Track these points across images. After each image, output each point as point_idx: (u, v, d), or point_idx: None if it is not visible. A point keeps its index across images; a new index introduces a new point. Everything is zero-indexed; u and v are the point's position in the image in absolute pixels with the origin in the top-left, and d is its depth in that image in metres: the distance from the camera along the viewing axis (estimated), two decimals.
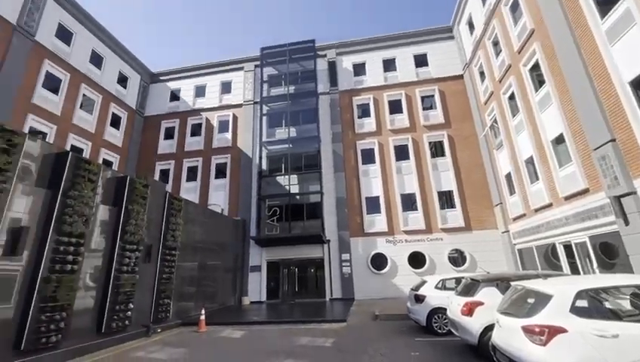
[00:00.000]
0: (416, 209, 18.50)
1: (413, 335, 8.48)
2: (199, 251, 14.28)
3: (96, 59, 19.99)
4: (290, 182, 19.23)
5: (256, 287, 18.40)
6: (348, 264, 17.89)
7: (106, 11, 66.55)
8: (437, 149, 19.74)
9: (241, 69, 23.78)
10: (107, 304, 8.79)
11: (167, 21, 76.68)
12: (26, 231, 6.99)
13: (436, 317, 8.39)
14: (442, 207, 18.43)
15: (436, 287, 8.99)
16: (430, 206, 18.42)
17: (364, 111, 21.32)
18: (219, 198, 20.42)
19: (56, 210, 7.70)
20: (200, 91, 23.94)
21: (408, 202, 18.84)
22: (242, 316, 13.40)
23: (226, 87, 23.73)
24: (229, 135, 22.11)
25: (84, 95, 18.74)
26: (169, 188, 19.91)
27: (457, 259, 17.48)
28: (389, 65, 22.07)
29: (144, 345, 8.90)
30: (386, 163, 19.67)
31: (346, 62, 22.59)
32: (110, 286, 8.97)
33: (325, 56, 22.77)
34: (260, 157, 20.42)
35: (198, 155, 21.93)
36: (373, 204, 19.01)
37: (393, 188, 19.02)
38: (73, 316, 7.83)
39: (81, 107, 18.45)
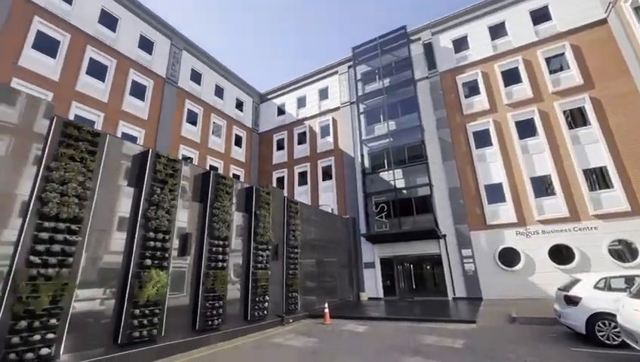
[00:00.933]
0: (553, 193, 15.41)
1: (568, 344, 7.05)
2: (316, 249, 15.38)
3: (219, 92, 24.01)
4: (395, 177, 18.77)
5: (372, 283, 18.59)
6: (470, 260, 16.25)
7: (217, 47, 79.04)
8: (575, 118, 16.00)
9: (335, 73, 24.59)
10: (249, 296, 10.38)
11: (263, 45, 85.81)
12: (190, 236, 8.93)
13: (602, 324, 6.76)
14: (592, 189, 14.80)
15: (596, 287, 7.25)
16: (574, 188, 15.03)
17: (472, 89, 19.05)
18: (328, 199, 21.57)
19: (207, 219, 9.57)
20: (301, 102, 25.87)
21: (541, 186, 15.86)
22: (362, 311, 13.75)
23: (323, 94, 24.95)
24: (330, 138, 23.15)
25: (214, 123, 22.77)
26: (285, 193, 22.18)
27: (623, 252, 13.69)
28: (497, 31, 19.13)
29: (280, 332, 10.10)
30: (507, 143, 17.05)
31: (444, 41, 20.67)
32: (250, 280, 10.57)
33: (419, 39, 21.39)
34: (362, 156, 20.60)
35: (305, 161, 23.72)
36: (495, 192, 16.75)
37: (519, 171, 16.33)
38: (227, 305, 9.55)
39: (212, 133, 22.46)
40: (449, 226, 17.23)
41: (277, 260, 12.27)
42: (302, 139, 24.77)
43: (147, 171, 8.20)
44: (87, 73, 15.42)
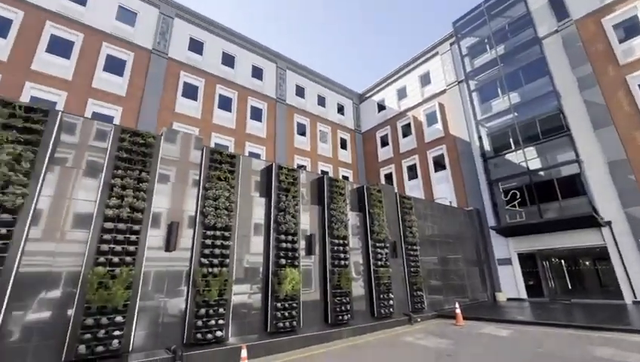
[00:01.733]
0: None
1: None
2: (437, 245, 14.42)
3: (322, 101, 25.43)
4: (526, 158, 15.90)
5: (510, 282, 16.16)
6: None
7: (313, 55, 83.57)
8: None
9: (436, 54, 22.72)
10: (373, 293, 10.53)
11: (357, 45, 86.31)
12: (314, 237, 9.71)
13: None
14: None
15: None
16: None
17: (630, 29, 14.50)
18: (443, 191, 19.98)
19: (326, 220, 10.23)
20: (401, 93, 24.90)
21: None
22: (502, 313, 12.10)
23: (424, 80, 23.38)
24: (439, 125, 21.44)
25: (320, 130, 24.25)
26: (395, 189, 21.71)
27: None
28: None
29: (409, 331, 9.85)
30: None
31: None
32: (372, 278, 10.72)
33: None
34: (480, 138, 18.26)
35: (413, 154, 22.65)
36: None
37: None
38: (353, 301, 9.93)
39: (320, 140, 23.93)
40: (615, 210, 13.47)
41: (396, 258, 12.07)
42: (406, 132, 23.76)
43: (273, 182, 9.37)
44: (219, 107, 18.79)
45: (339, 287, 9.56)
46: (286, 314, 8.20)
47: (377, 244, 11.30)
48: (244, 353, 5.94)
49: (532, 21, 17.28)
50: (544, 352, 6.90)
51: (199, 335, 6.75)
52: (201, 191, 7.98)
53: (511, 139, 16.86)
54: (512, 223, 15.70)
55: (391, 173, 23.99)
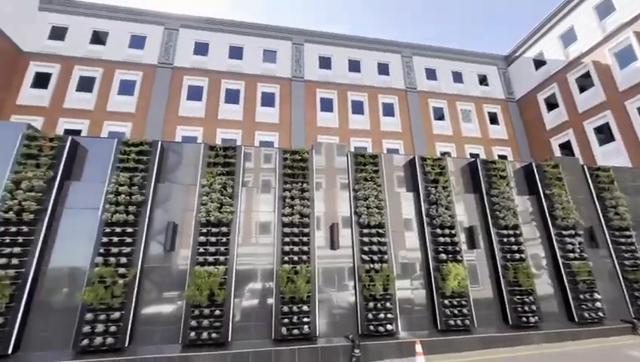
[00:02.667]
0: None
1: None
2: None
3: (458, 77, 22.82)
4: None
5: None
6: None
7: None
8: None
9: None
10: (568, 292, 8.49)
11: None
12: (475, 229, 8.75)
13: None
14: None
15: None
16: None
17: None
18: None
19: (487, 209, 9.04)
20: (568, 37, 19.33)
21: None
22: None
23: (604, 9, 17.35)
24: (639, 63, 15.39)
25: (460, 110, 21.76)
26: (580, 160, 16.97)
27: None
28: None
29: (634, 344, 7.39)
30: None
31: None
32: (563, 273, 8.68)
33: None
34: None
35: (601, 110, 17.08)
36: None
37: None
38: (540, 301, 8.31)
39: (462, 121, 21.45)
40: None
41: (597, 248, 9.35)
42: (585, 84, 18.18)
43: (418, 175, 9.07)
44: (352, 113, 19.79)
45: (517, 284, 8.21)
46: (455, 311, 7.69)
47: (564, 232, 9.09)
48: (419, 348, 5.95)
49: None
50: None
51: (372, 327, 7.20)
52: (351, 193, 8.59)
53: None
54: None
55: (568, 142, 18.87)
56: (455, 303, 7.76)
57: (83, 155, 7.82)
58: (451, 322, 7.56)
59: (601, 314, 8.30)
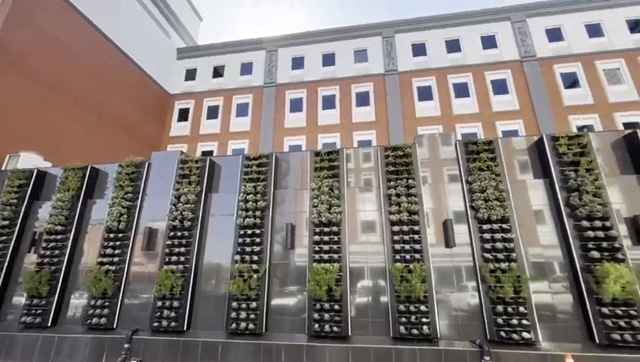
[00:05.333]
0: None
1: None
2: None
3: (595, 29, 18.20)
4: None
5: None
6: None
7: None
8: None
9: None
10: None
11: None
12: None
13: None
14: None
15: None
16: None
17: None
18: None
19: None
20: None
21: None
22: None
23: None
24: None
25: (603, 70, 17.26)
26: None
27: None
28: None
29: None
30: None
31: None
32: None
33: None
34: None
35: None
36: None
37: None
38: None
39: (609, 83, 16.97)
40: None
41: None
42: None
43: (549, 158, 7.64)
44: (495, 94, 18.05)
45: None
46: (621, 322, 6.12)
47: None
48: None
49: None
50: None
51: (503, 334, 6.41)
52: (464, 185, 7.86)
53: None
54: None
55: None
56: (620, 312, 6.18)
57: (218, 171, 9.50)
58: (615, 336, 6.06)
59: None
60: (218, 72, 21.77)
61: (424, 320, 6.74)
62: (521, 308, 6.50)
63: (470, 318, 6.92)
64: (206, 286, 8.17)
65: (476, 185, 7.60)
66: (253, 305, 7.42)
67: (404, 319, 6.83)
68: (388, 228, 7.75)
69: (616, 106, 16.32)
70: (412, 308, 6.85)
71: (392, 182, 8.08)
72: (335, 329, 6.96)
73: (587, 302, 6.45)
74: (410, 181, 7.96)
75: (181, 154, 9.55)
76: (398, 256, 7.37)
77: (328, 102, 19.44)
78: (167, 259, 8.13)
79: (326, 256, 7.60)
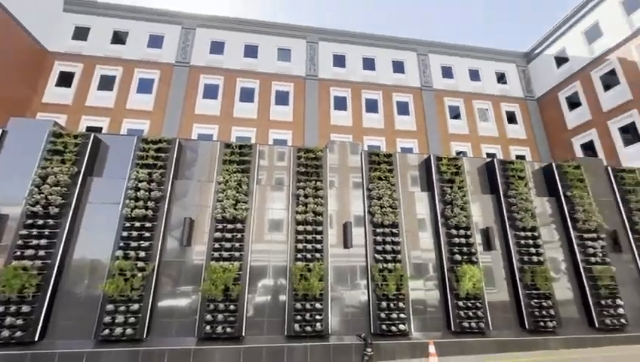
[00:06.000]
0: None
1: None
2: None
3: (475, 75, 22.33)
4: None
5: None
6: None
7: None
8: None
9: None
10: (589, 297, 8.22)
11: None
12: (491, 230, 8.58)
13: None
14: None
15: None
16: None
17: None
18: None
19: (504, 210, 8.84)
20: (593, 33, 18.61)
21: None
22: None
23: (629, 4, 16.63)
24: None
25: (477, 109, 21.29)
26: (604, 161, 16.33)
27: None
28: None
29: None
30: None
31: None
32: (584, 278, 8.42)
33: None
34: None
35: (627, 108, 16.39)
36: None
37: None
38: (558, 306, 8.10)
39: (479, 120, 20.98)
40: None
41: (620, 252, 9.01)
42: (610, 82, 17.48)
43: (434, 174, 8.96)
44: (366, 112, 19.67)
45: (534, 288, 8.02)
46: (470, 313, 7.57)
47: (585, 236, 8.81)
48: (432, 349, 5.90)
49: None
50: None
51: (384, 327, 7.18)
52: (365, 191, 8.57)
53: None
54: None
55: (591, 142, 18.19)
56: (470, 305, 7.64)
57: (105, 152, 8.08)
58: (465, 324, 7.46)
59: (623, 320, 8.02)
60: (119, 38, 18.67)
61: (318, 317, 7.03)
62: (401, 304, 7.41)
63: (359, 314, 7.54)
64: (74, 286, 6.82)
65: (375, 192, 8.37)
66: (135, 307, 6.53)
67: (299, 317, 7.00)
68: (293, 227, 7.85)
69: (483, 139, 20.33)
70: (308, 305, 7.08)
71: (301, 183, 8.24)
72: (228, 329, 6.67)
73: (449, 297, 7.76)
74: (318, 183, 8.25)
75: (54, 125, 7.80)
76: (299, 255, 7.53)
77: (247, 95, 18.66)
78: (18, 253, 6.49)
79: (226, 254, 7.24)
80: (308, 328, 6.91)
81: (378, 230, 8.12)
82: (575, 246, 8.73)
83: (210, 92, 18.43)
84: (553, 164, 9.67)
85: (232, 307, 6.84)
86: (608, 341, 7.79)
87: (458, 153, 19.44)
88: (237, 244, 7.40)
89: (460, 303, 7.66)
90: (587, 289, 8.30)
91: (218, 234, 7.38)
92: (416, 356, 6.82)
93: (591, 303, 8.17)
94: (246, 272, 7.26)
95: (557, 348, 7.44)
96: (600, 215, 8.98)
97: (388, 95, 20.45)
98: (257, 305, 7.29)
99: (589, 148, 18.33)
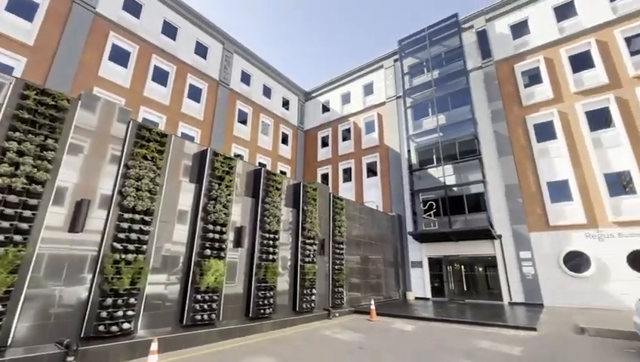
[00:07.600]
0: (633, 192, 13.59)
1: None
2: (361, 245, 15.37)
3: (267, 92, 24.92)
4: (444, 174, 17.95)
5: (420, 283, 18.08)
6: (530, 263, 15.03)
7: (264, 49, 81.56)
8: None
9: (381, 67, 24.14)
10: (298, 288, 10.75)
11: (306, 42, 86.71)
12: (244, 230, 9.50)
13: None
14: None
15: None
16: None
17: (533, 78, 17.46)
18: (372, 196, 21.37)
19: (259, 213, 10.09)
20: (346, 98, 25.84)
21: (618, 184, 14.07)
22: (410, 310, 13.46)
23: (368, 89, 24.66)
24: (375, 134, 22.85)
25: (262, 122, 23.74)
26: (330, 189, 22.47)
27: None
28: (564, 12, 17.32)
29: (327, 326, 10.33)
30: (575, 136, 15.40)
31: (500, 26, 19.18)
32: (298, 273, 10.94)
33: (472, 27, 20.12)
34: (409, 151, 19.97)
35: (350, 157, 23.71)
36: (559, 190, 15.26)
37: (590, 167, 14.66)
38: (277, 295, 10.01)
39: (261, 132, 23.44)
40: (505, 226, 16.09)
41: (323, 255, 12.51)
42: (346, 136, 24.78)
43: (206, 168, 8.89)
44: (152, 80, 17.04)
45: (264, 281, 9.53)
46: (205, 306, 7.86)
47: (307, 241, 11.57)
48: (154, 346, 5.54)
49: (463, 55, 19.53)
50: (440, 344, 7.92)
51: (102, 328, 6.06)
52: (121, 168, 7.16)
53: (434, 156, 18.81)
54: (427, 231, 17.58)
55: (327, 174, 24.74)
56: (207, 298, 7.95)
57: None
58: (198, 317, 7.65)
59: (313, 304, 11.06)
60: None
61: None
62: (132, 300, 6.57)
63: (69, 316, 5.97)
64: None
65: (134, 171, 7.18)
66: None
67: None
68: None
69: (259, 149, 22.83)
70: None
71: (17, 133, 5.74)
72: None
73: (188, 291, 7.73)
74: (49, 141, 6.05)
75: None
76: None
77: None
78: None
79: None
80: None
81: (127, 215, 6.94)
82: (299, 249, 11.26)
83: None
84: (301, 184, 12.19)
85: None
86: (302, 320, 10.44)
87: (236, 155, 20.60)
88: None
89: (199, 296, 7.82)
90: (298, 282, 10.84)
91: None
92: (136, 356, 6.19)
93: (297, 293, 10.72)
94: None
95: (268, 330, 9.11)
96: (319, 227, 12.15)
97: (183, 73, 18.82)
98: None
99: (325, 177, 24.69)
